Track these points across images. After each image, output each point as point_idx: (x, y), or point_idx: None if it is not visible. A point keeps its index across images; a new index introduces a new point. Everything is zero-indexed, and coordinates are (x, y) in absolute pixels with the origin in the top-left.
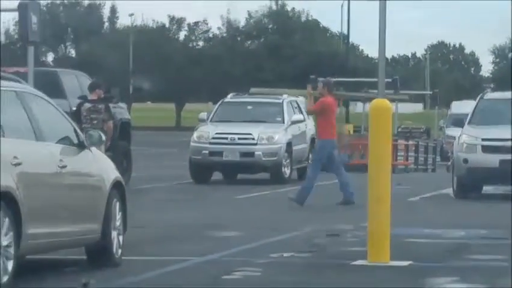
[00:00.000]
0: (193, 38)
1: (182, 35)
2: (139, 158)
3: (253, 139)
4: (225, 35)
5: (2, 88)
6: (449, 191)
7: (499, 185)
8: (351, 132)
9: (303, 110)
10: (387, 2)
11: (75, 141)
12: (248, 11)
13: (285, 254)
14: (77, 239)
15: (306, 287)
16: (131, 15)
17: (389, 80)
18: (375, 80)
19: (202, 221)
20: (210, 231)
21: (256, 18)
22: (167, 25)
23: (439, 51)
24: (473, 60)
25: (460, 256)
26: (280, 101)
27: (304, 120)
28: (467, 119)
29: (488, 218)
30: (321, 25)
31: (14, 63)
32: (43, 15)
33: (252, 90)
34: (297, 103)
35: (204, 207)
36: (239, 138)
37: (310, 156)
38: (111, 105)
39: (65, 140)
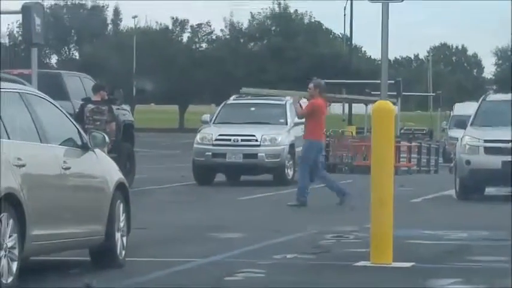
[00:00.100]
0: (196, 40)
1: (185, 37)
2: (143, 159)
3: (256, 141)
4: (228, 37)
5: (6, 90)
6: (452, 192)
7: (501, 187)
8: (354, 133)
9: None
10: (390, 3)
11: (79, 142)
12: (251, 13)
13: (288, 255)
14: (80, 241)
15: (308, 287)
16: (134, 17)
17: (392, 81)
18: (378, 81)
19: (205, 222)
20: (213, 233)
21: (259, 20)
22: (170, 27)
23: (442, 53)
24: (475, 62)
25: (462, 257)
26: (283, 102)
27: None
28: (470, 121)
29: (491, 219)
30: (323, 27)
31: (18, 65)
32: (47, 17)
33: (243, 90)
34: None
35: (207, 209)
36: (242, 140)
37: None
38: (114, 107)
39: (68, 142)
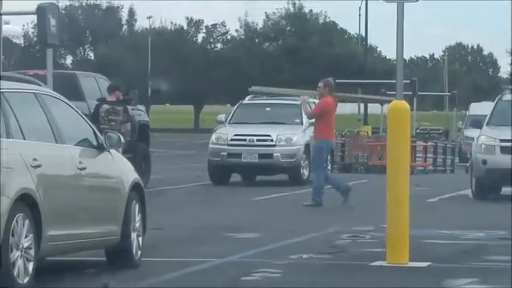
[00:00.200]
0: (211, 40)
1: (200, 37)
2: (158, 160)
3: (271, 141)
4: (243, 37)
5: (21, 90)
6: (468, 192)
7: None
8: (370, 133)
9: None
10: (405, 3)
11: (95, 143)
12: (266, 13)
13: (304, 255)
14: (96, 241)
15: (324, 287)
16: (149, 17)
17: (408, 81)
18: (393, 81)
19: (221, 222)
20: (229, 233)
21: (274, 20)
22: (185, 27)
23: (457, 52)
24: (491, 62)
25: (479, 257)
26: (299, 102)
27: None
28: (486, 120)
29: (507, 218)
30: (338, 27)
31: (33, 65)
32: (62, 18)
33: (252, 88)
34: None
35: (222, 209)
36: (257, 140)
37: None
38: (129, 107)
39: (84, 142)
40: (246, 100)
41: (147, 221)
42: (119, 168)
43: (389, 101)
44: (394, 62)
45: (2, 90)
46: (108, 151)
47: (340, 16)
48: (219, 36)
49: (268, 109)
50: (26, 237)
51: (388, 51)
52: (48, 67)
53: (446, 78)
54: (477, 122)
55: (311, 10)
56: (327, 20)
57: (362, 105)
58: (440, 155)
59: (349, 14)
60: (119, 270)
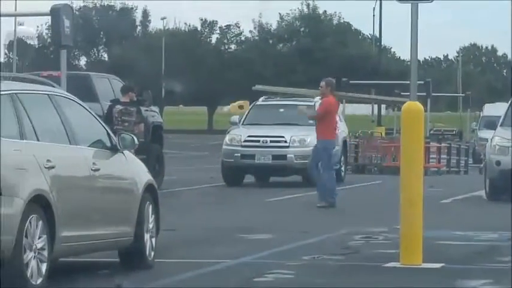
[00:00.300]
0: (225, 41)
1: (214, 38)
2: (172, 161)
3: (285, 142)
4: (256, 38)
5: (35, 92)
6: (482, 193)
7: None
8: (383, 134)
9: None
10: (419, 4)
11: (108, 144)
12: (280, 13)
13: (317, 257)
14: (110, 242)
15: None
16: (163, 18)
17: (422, 82)
18: (407, 82)
19: (234, 223)
20: (242, 234)
21: (288, 21)
22: (199, 28)
23: (472, 53)
24: (505, 63)
25: (492, 258)
26: (312, 103)
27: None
28: (500, 121)
29: None
30: (352, 28)
31: (47, 67)
32: (75, 19)
33: (257, 87)
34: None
35: (236, 210)
36: (271, 141)
37: (342, 158)
38: (143, 108)
39: (97, 143)
40: (260, 101)
41: (160, 222)
42: (132, 169)
43: (399, 103)
44: (408, 62)
45: (16, 92)
46: (122, 152)
47: (355, 17)
48: (233, 37)
49: (281, 110)
50: (39, 238)
51: (402, 52)
52: (62, 68)
53: (460, 79)
54: (491, 123)
55: (325, 11)
56: (341, 21)
57: (376, 106)
58: (454, 156)
59: (364, 15)
60: (132, 271)
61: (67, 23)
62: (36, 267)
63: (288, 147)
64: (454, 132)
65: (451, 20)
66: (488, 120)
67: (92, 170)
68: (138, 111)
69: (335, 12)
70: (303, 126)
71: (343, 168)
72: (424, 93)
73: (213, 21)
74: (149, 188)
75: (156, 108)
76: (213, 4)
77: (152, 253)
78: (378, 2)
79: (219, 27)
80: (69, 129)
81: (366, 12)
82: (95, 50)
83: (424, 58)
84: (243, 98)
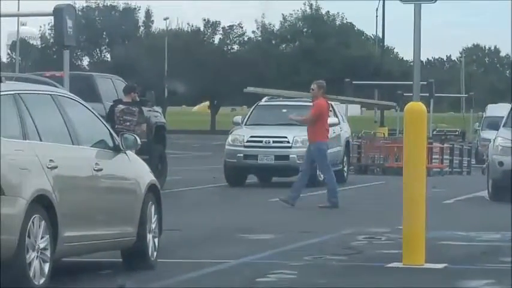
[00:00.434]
0: (228, 41)
1: (217, 38)
2: (174, 161)
3: (288, 142)
4: (259, 38)
5: (38, 92)
6: (485, 193)
7: None
8: (386, 135)
9: (337, 113)
10: (422, 4)
11: (111, 144)
12: (282, 14)
13: (320, 257)
14: (112, 242)
15: None
16: (166, 19)
17: (424, 83)
18: (410, 83)
19: (236, 223)
20: (245, 234)
21: (291, 22)
22: (202, 29)
23: (474, 54)
24: (508, 63)
25: (495, 259)
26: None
27: (338, 123)
28: (503, 122)
29: None
30: (355, 28)
31: (50, 67)
32: (78, 19)
33: (248, 89)
34: (332, 106)
35: (238, 210)
36: (274, 142)
37: (345, 159)
38: (146, 108)
39: (100, 144)
40: (263, 102)
41: (163, 222)
42: (135, 169)
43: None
44: (411, 63)
45: (18, 92)
46: (125, 152)
47: (357, 17)
48: (235, 37)
49: (284, 110)
50: (42, 238)
51: (405, 53)
52: (65, 68)
53: (463, 80)
54: (494, 124)
55: (328, 11)
56: (344, 22)
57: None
58: (457, 156)
59: (366, 16)
60: (134, 272)
61: (70, 23)
62: (38, 267)
63: (290, 147)
64: (457, 133)
65: (454, 20)
66: (491, 120)
67: (94, 170)
68: (140, 112)
69: (338, 12)
70: (305, 126)
71: (345, 169)
72: (427, 94)
73: (216, 21)
74: (152, 188)
75: (158, 109)
76: (215, 4)
77: (155, 253)
78: (381, 2)
79: (222, 28)
80: (72, 130)
81: (368, 12)
82: (97, 50)
83: (427, 59)
84: (245, 98)
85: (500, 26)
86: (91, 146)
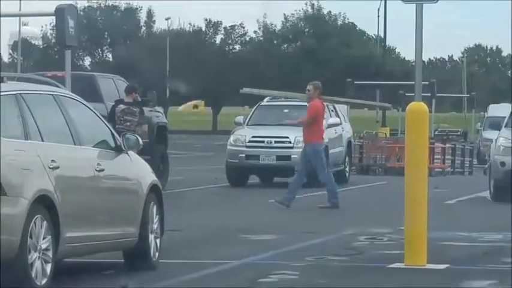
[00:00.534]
0: (229, 41)
1: (219, 38)
2: (176, 161)
3: (289, 142)
4: (261, 38)
5: (40, 92)
6: (486, 194)
7: None
8: (388, 135)
9: (339, 113)
10: (424, 4)
11: (113, 145)
12: (284, 14)
13: (321, 257)
14: (114, 242)
15: None
16: (168, 19)
17: (426, 83)
18: (412, 83)
19: (238, 224)
20: (247, 235)
21: (293, 22)
22: (204, 29)
23: (476, 54)
24: (510, 63)
25: (497, 259)
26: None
27: (340, 124)
28: (505, 122)
29: None
30: (357, 28)
31: (52, 67)
32: (80, 19)
33: (244, 90)
34: (334, 106)
35: (240, 211)
36: (276, 142)
37: (347, 159)
38: (147, 108)
39: (102, 144)
40: (264, 102)
41: (164, 223)
42: (136, 169)
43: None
44: (413, 63)
45: (20, 92)
46: (126, 153)
47: (359, 17)
48: (237, 37)
49: (286, 111)
50: (43, 238)
51: (407, 53)
52: (66, 68)
53: (465, 80)
54: (496, 124)
55: (330, 11)
56: (346, 22)
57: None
58: (459, 156)
59: (368, 16)
60: (136, 272)
61: (71, 23)
62: (40, 267)
63: (292, 147)
64: (459, 133)
65: (456, 20)
66: (493, 121)
67: (96, 170)
68: (141, 112)
69: (339, 12)
70: None
71: (347, 169)
72: (429, 94)
73: (218, 21)
74: (154, 189)
75: (160, 109)
76: (217, 4)
77: (157, 254)
78: (383, 2)
79: (224, 28)
80: (74, 130)
81: (370, 12)
82: (99, 50)
83: (429, 59)
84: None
85: (502, 26)
86: (93, 146)
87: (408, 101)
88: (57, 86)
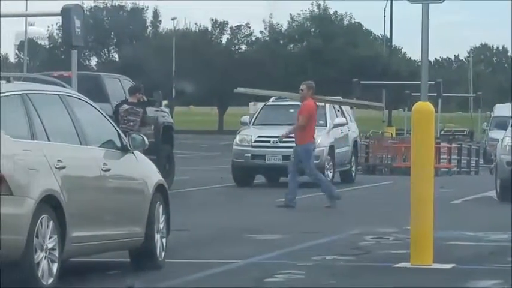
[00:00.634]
0: (235, 41)
1: (225, 38)
2: (182, 161)
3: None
4: (267, 38)
5: (46, 92)
6: (493, 193)
7: None
8: (394, 135)
9: (345, 113)
10: (430, 4)
11: (119, 144)
12: (290, 14)
13: (328, 257)
14: (120, 242)
15: None
16: (174, 19)
17: (432, 82)
18: (418, 83)
19: (244, 224)
20: (253, 234)
21: (299, 22)
22: (210, 29)
23: (482, 53)
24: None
25: (503, 259)
26: (323, 103)
27: (346, 123)
28: (511, 122)
29: None
30: (363, 28)
31: (58, 67)
32: (86, 19)
33: (238, 89)
34: (340, 106)
35: (246, 211)
36: (281, 142)
37: (353, 159)
38: (153, 108)
39: (108, 144)
40: (270, 102)
41: (170, 222)
42: (143, 169)
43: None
44: (419, 63)
45: (26, 92)
46: (132, 152)
47: (365, 17)
48: (243, 37)
49: (292, 110)
50: (50, 238)
51: (413, 53)
52: (72, 68)
53: (471, 80)
54: (502, 124)
55: (336, 11)
56: (352, 21)
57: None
58: (465, 156)
59: (374, 15)
60: (142, 272)
61: (78, 23)
62: (47, 267)
63: None
64: (465, 133)
65: (462, 20)
66: (499, 120)
67: (102, 170)
68: (144, 113)
69: (346, 12)
70: None
71: (353, 169)
72: (435, 94)
73: (224, 21)
74: (160, 188)
75: (166, 109)
76: (223, 4)
77: (163, 253)
78: (389, 2)
79: (230, 28)
80: (80, 130)
81: (376, 12)
82: (105, 50)
83: (435, 58)
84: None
85: (508, 26)
86: (99, 146)
87: (414, 101)
88: (64, 86)
